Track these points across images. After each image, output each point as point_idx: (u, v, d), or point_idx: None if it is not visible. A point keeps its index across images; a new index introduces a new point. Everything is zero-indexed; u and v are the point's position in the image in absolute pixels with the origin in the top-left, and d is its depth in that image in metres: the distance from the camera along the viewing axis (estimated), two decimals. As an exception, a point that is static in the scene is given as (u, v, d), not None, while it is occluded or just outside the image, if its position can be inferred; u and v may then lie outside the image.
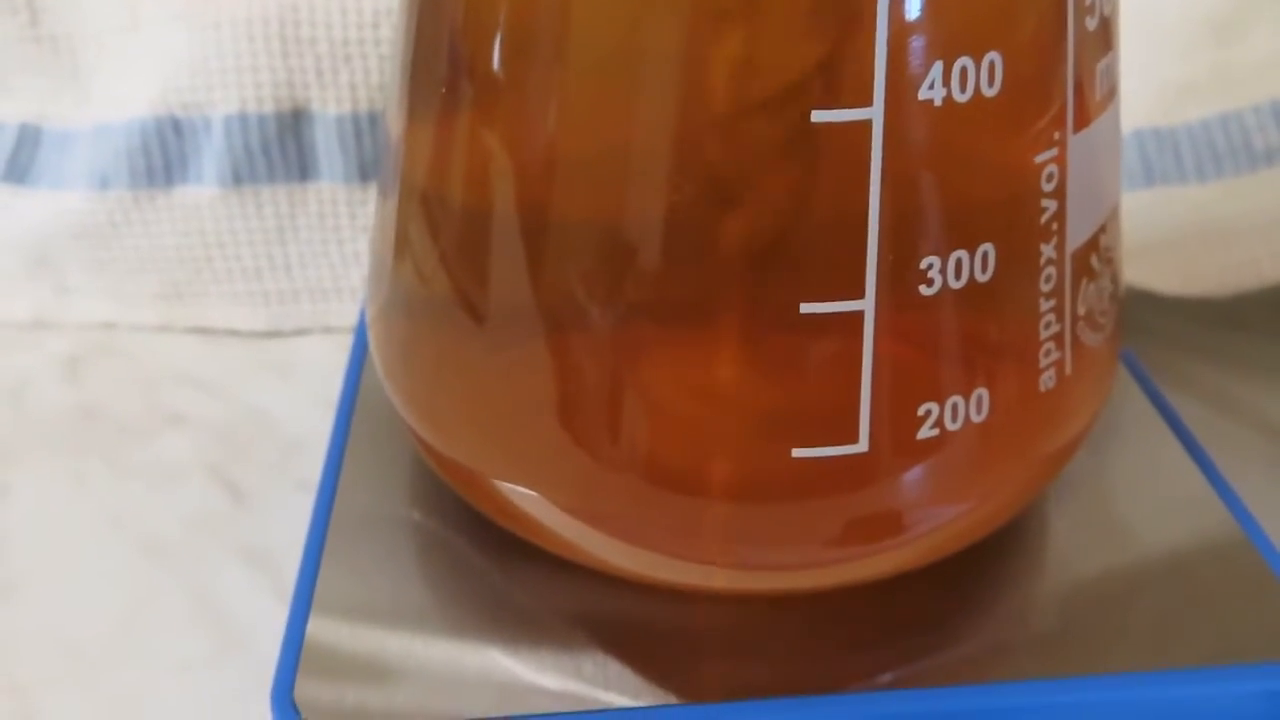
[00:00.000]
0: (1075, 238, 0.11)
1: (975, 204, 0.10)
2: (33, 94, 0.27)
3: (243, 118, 0.26)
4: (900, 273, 0.10)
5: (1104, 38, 0.11)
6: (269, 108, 0.26)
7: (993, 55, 0.10)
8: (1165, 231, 0.25)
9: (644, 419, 0.12)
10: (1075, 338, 0.12)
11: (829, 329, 0.10)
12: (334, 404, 0.26)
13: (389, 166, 0.14)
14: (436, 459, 0.14)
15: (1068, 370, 0.12)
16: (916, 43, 0.10)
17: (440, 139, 0.12)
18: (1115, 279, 0.13)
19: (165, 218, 0.26)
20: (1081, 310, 0.12)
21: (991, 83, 0.10)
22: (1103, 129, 0.11)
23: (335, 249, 0.27)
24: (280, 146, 0.26)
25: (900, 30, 0.09)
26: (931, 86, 0.10)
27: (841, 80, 0.09)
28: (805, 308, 0.10)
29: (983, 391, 0.11)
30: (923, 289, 0.10)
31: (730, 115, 0.10)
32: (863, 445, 0.11)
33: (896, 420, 0.11)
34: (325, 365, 0.27)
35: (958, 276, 0.10)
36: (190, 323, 0.27)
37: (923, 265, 0.10)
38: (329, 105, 0.26)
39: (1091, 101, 0.11)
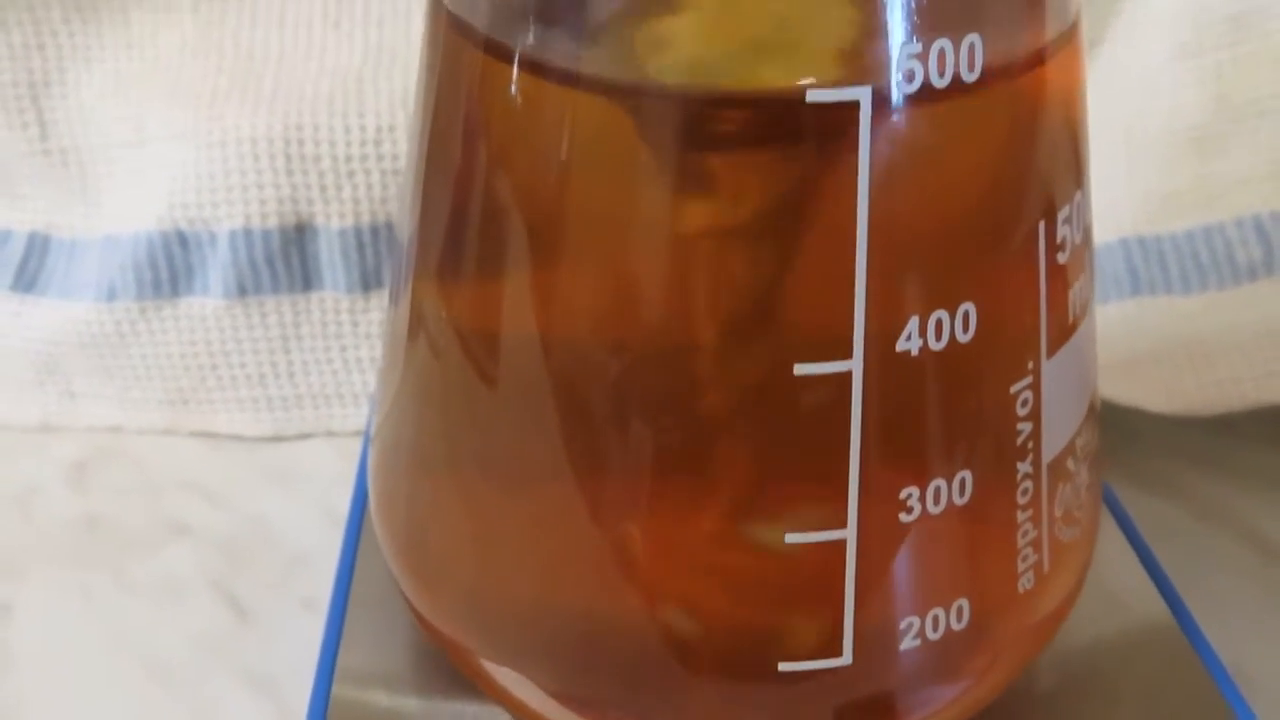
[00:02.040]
0: (1051, 450, 0.12)
1: (950, 437, 0.11)
2: (42, 204, 0.27)
3: (247, 232, 0.26)
4: (881, 501, 0.11)
5: (1076, 264, 0.12)
6: (273, 222, 0.26)
7: (966, 306, 0.10)
8: (1150, 344, 0.26)
9: (631, 609, 0.12)
10: (1052, 537, 0.12)
11: (813, 553, 0.11)
12: (336, 514, 0.26)
13: (391, 338, 0.14)
14: (422, 623, 0.15)
15: (1045, 569, 0.12)
16: (893, 298, 0.10)
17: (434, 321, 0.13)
18: (1093, 465, 0.13)
19: (171, 327, 0.27)
20: (1059, 512, 0.12)
21: (966, 330, 0.10)
22: (1077, 345, 0.12)
23: (338, 355, 0.28)
24: (284, 259, 0.27)
25: (878, 287, 0.10)
26: (909, 339, 0.10)
27: (822, 335, 0.10)
28: (790, 538, 0.11)
29: (963, 602, 0.12)
30: (902, 516, 0.11)
31: (715, 354, 0.10)
32: (847, 659, 0.11)
33: (880, 634, 0.11)
34: (328, 471, 0.28)
35: (936, 503, 0.11)
36: (195, 428, 0.28)
37: (902, 495, 0.11)
38: (332, 219, 0.26)
39: (1065, 326, 0.12)
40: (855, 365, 0.10)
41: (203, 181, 0.26)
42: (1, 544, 0.25)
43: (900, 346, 0.10)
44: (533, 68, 0.10)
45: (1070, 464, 0.12)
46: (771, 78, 0.10)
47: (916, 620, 0.11)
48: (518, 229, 0.11)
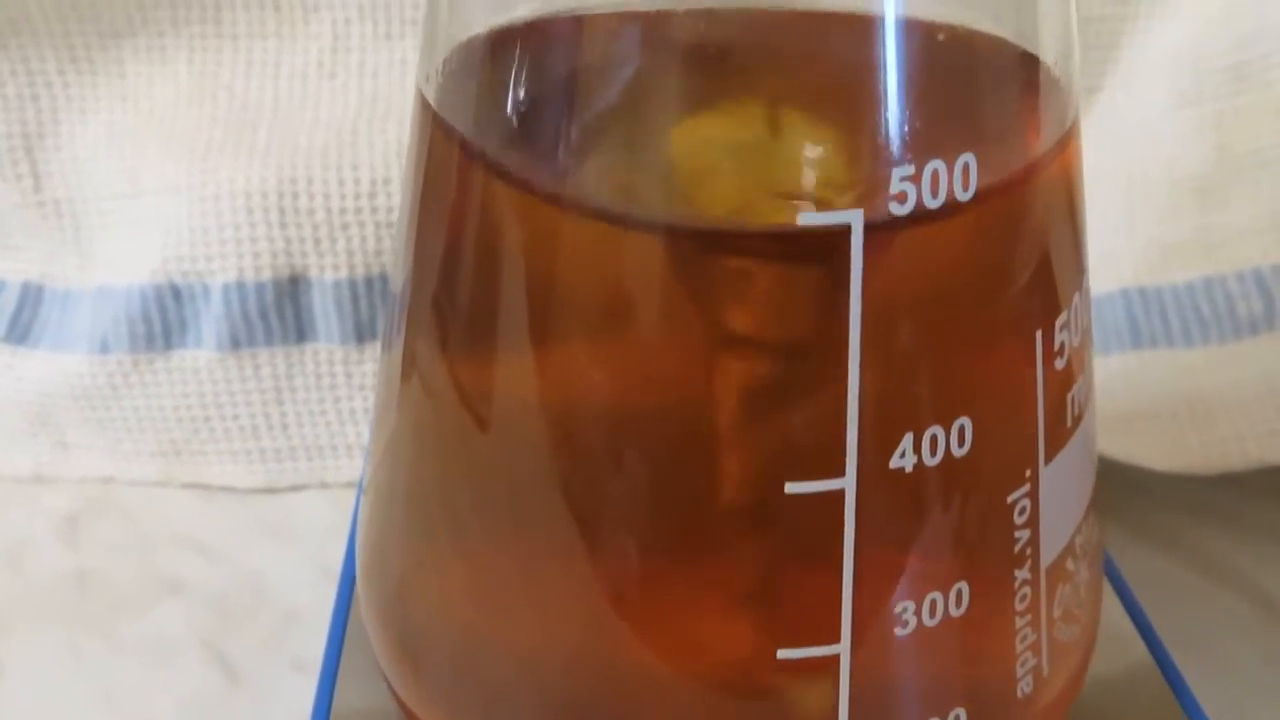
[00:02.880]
0: (1050, 554, 0.12)
1: (945, 551, 0.11)
2: (35, 255, 0.27)
3: (241, 285, 0.26)
4: (875, 616, 0.11)
5: (1075, 366, 0.11)
6: (267, 275, 0.26)
7: (962, 420, 0.10)
8: (1151, 399, 0.26)
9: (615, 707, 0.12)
10: (1052, 638, 0.12)
11: (807, 667, 0.11)
12: (329, 569, 0.26)
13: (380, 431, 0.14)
14: (403, 709, 0.14)
15: (1045, 672, 0.12)
16: (887, 416, 0.10)
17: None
18: (1093, 559, 0.13)
19: (164, 380, 0.27)
20: (1058, 613, 0.12)
21: (962, 444, 0.10)
22: (1076, 445, 0.12)
23: (332, 407, 0.27)
24: (278, 312, 0.26)
25: (870, 404, 0.10)
26: (902, 455, 0.10)
27: (814, 454, 0.10)
28: (782, 653, 0.10)
29: (960, 711, 0.11)
30: (898, 630, 0.11)
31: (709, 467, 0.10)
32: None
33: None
34: (322, 524, 0.28)
35: (932, 615, 0.11)
36: (188, 479, 0.28)
37: (897, 610, 0.11)
38: (326, 271, 0.26)
39: (1063, 429, 0.11)
40: (848, 484, 0.10)
41: (196, 234, 0.26)
42: (-9, 601, 0.25)
43: (894, 464, 0.10)
44: (513, 181, 0.10)
45: (1069, 564, 0.12)
46: (759, 203, 0.10)
47: (914, 732, 0.11)
48: (497, 330, 0.11)
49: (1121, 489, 0.26)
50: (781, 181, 0.10)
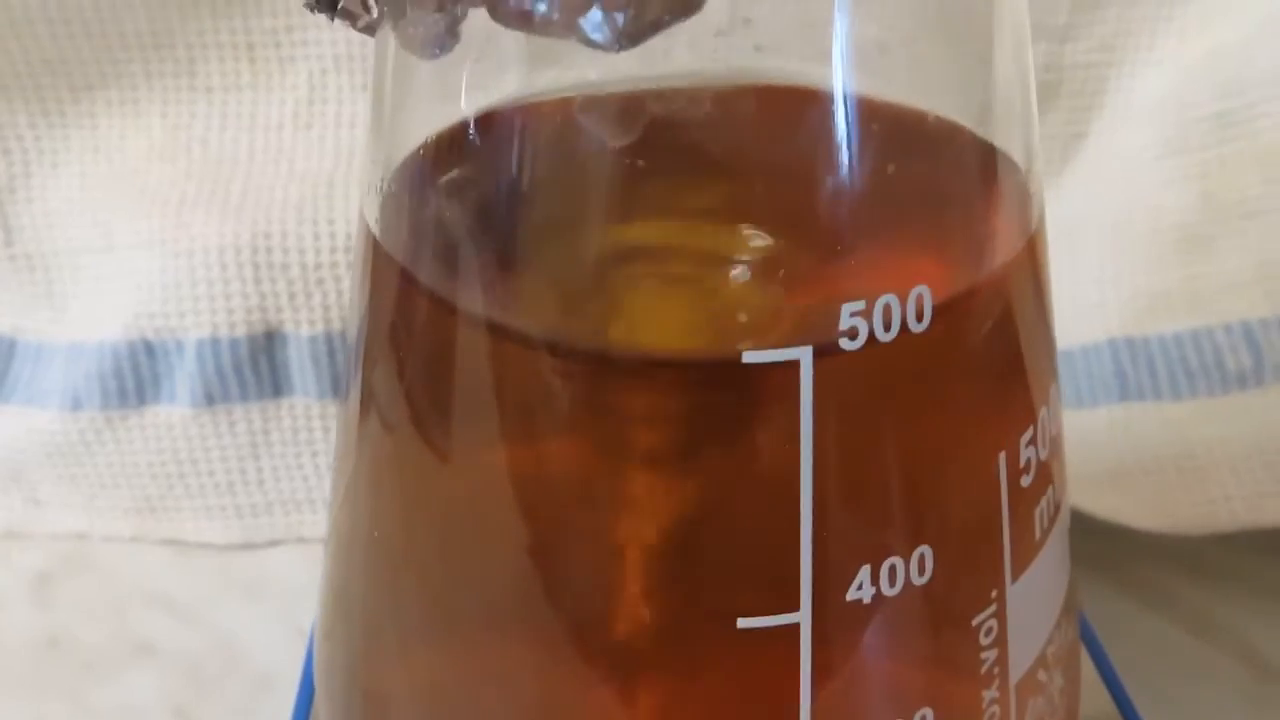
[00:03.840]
0: (1019, 670, 0.11)
1: (907, 680, 0.10)
2: (6, 309, 0.27)
3: (215, 341, 0.26)
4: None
5: (1043, 479, 0.11)
6: (241, 331, 0.26)
7: (922, 549, 0.10)
8: (1138, 455, 0.25)
9: None
10: (1024, 752, 0.12)
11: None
12: (304, 629, 0.26)
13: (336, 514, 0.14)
14: None
15: (1017, 786, 0.12)
16: (843, 549, 0.10)
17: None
18: (1067, 664, 0.13)
19: (137, 436, 0.26)
20: (1029, 725, 0.12)
21: (922, 573, 0.10)
22: (1046, 558, 0.11)
23: (309, 461, 0.27)
24: (253, 366, 0.26)
25: (825, 536, 0.09)
26: (859, 588, 0.10)
27: (768, 588, 0.09)
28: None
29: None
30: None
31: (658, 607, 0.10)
32: None
33: None
34: (298, 581, 0.27)
35: (895, 741, 0.10)
36: (163, 535, 0.27)
37: (858, 739, 0.10)
38: (302, 326, 0.26)
39: (1031, 545, 0.11)
40: (803, 618, 0.09)
41: (169, 290, 0.26)
42: (-40, 665, 0.25)
43: (851, 596, 0.10)
44: (451, 310, 0.10)
45: (1041, 675, 0.12)
46: (705, 333, 0.09)
47: None
48: (437, 443, 0.11)
49: (1107, 542, 0.26)
50: (729, 310, 0.09)
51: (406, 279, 0.10)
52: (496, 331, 0.09)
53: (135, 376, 0.26)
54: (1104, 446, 0.26)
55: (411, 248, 0.10)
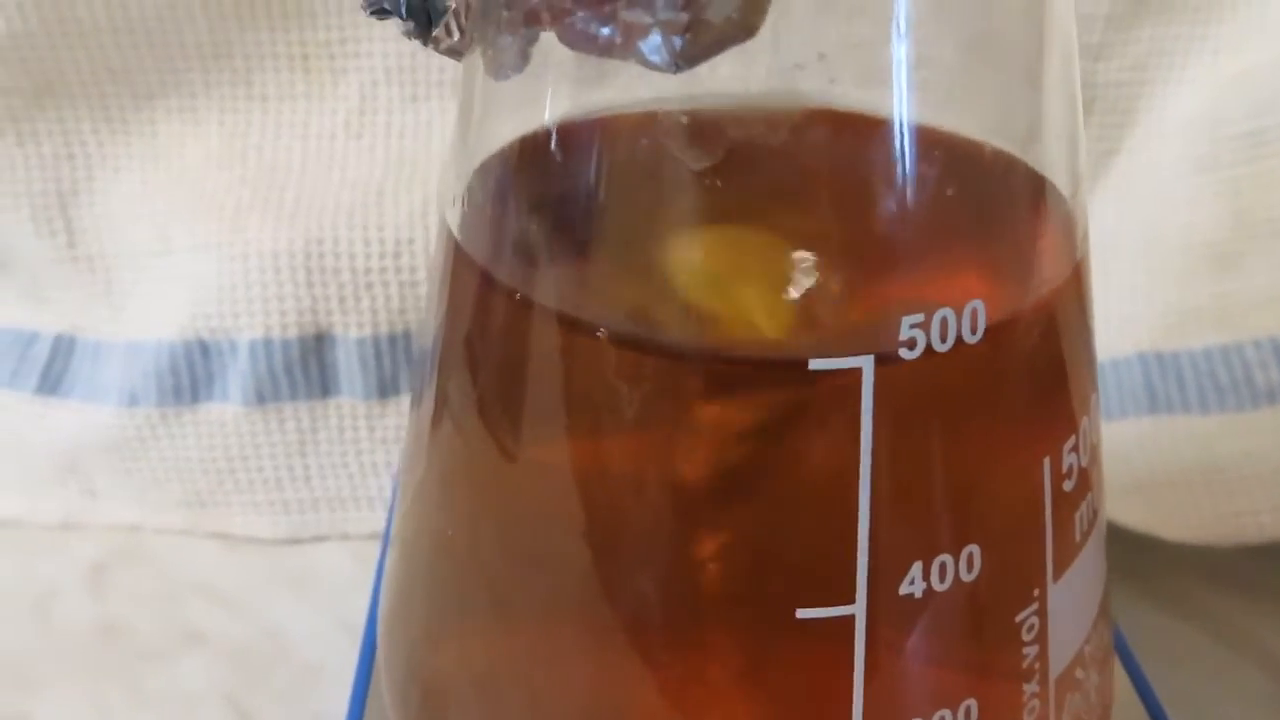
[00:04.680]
0: (1059, 666, 0.12)
1: (954, 672, 0.11)
2: (68, 307, 0.28)
3: (267, 342, 0.26)
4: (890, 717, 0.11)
5: (1083, 484, 0.12)
6: (293, 333, 0.27)
7: (971, 548, 0.10)
8: (1167, 468, 0.26)
9: None
10: (1061, 746, 0.12)
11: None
12: (348, 623, 0.26)
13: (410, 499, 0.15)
14: None
15: (1054, 778, 0.12)
16: (896, 545, 0.10)
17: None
18: (1103, 663, 0.13)
19: (190, 433, 0.27)
20: (1068, 718, 0.12)
21: (970, 570, 0.10)
22: (1085, 559, 0.12)
23: (354, 460, 0.28)
24: (303, 367, 0.27)
25: (880, 534, 0.10)
26: (911, 583, 0.10)
27: (826, 580, 0.10)
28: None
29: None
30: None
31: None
32: None
33: None
34: (343, 576, 0.28)
35: (942, 730, 0.11)
36: (212, 529, 0.28)
37: (907, 724, 0.11)
38: (350, 329, 0.27)
39: (1071, 546, 0.12)
40: (859, 610, 0.10)
41: (224, 293, 0.26)
42: (21, 652, 0.25)
43: (903, 590, 0.10)
44: (526, 302, 0.10)
45: (1079, 673, 0.12)
46: (776, 346, 0.10)
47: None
48: (520, 438, 0.11)
49: (1137, 552, 0.26)
50: (798, 319, 0.10)
51: (489, 284, 0.11)
52: (576, 330, 0.10)
53: (190, 375, 0.27)
54: (1133, 459, 0.27)
55: (493, 254, 0.11)
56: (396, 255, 0.26)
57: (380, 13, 0.10)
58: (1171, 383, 0.26)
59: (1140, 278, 0.27)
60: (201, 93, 0.26)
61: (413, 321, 0.27)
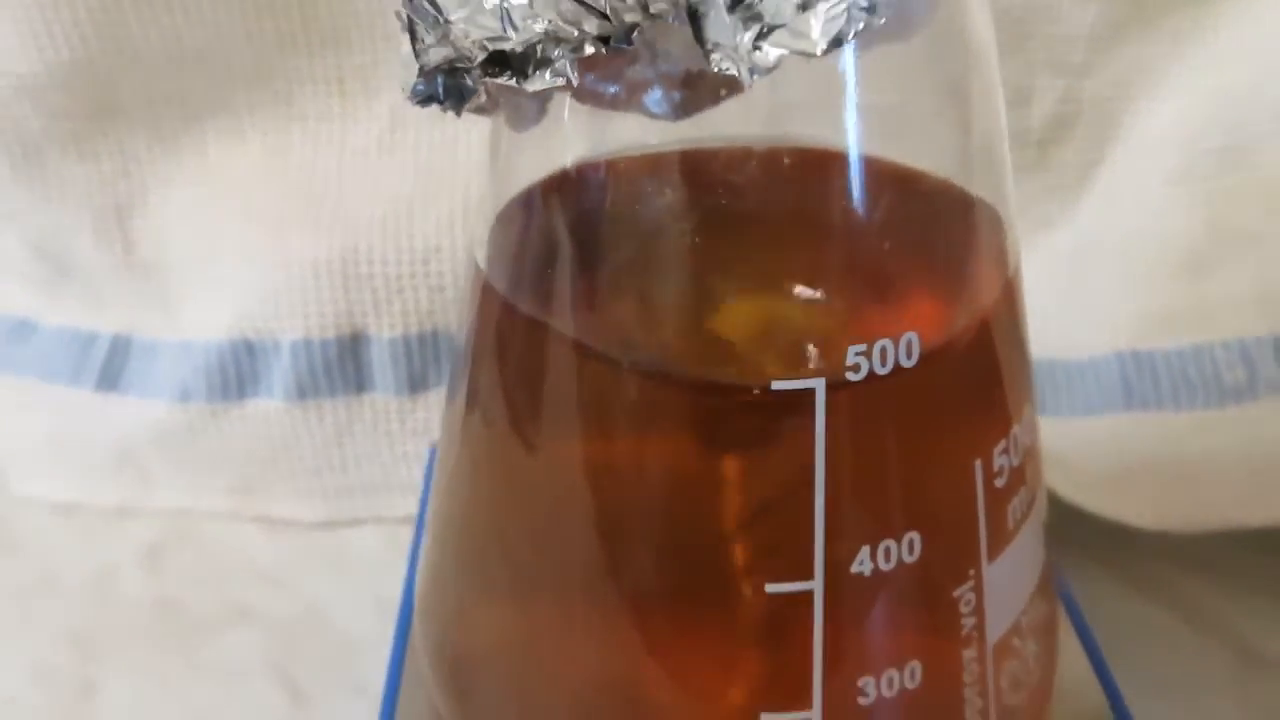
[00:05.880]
0: (995, 635, 0.14)
1: (900, 636, 0.13)
2: (125, 310, 0.30)
3: (307, 343, 0.29)
4: (840, 688, 0.13)
5: (1015, 480, 0.14)
6: (330, 334, 0.29)
7: (911, 535, 0.12)
8: (1140, 460, 0.27)
9: None
10: (999, 704, 0.14)
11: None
12: (383, 599, 0.28)
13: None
14: None
15: (993, 733, 0.14)
16: (847, 532, 0.12)
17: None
18: (1042, 630, 0.15)
19: (238, 425, 0.30)
20: (1004, 683, 0.14)
21: (911, 553, 0.12)
22: (1020, 544, 0.14)
23: (387, 450, 0.30)
24: (340, 365, 0.29)
25: (834, 523, 0.12)
26: (861, 563, 0.12)
27: (790, 560, 0.12)
28: (765, 716, 0.13)
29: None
30: (860, 700, 0.13)
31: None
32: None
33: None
34: (376, 555, 0.30)
35: (890, 688, 0.13)
36: (257, 513, 0.31)
37: (860, 684, 0.13)
38: (384, 330, 0.29)
39: (1005, 533, 0.13)
40: (817, 585, 0.12)
41: (268, 297, 0.29)
42: (85, 625, 0.28)
43: (854, 569, 0.12)
44: (539, 328, 0.12)
45: (1016, 642, 0.14)
46: (745, 369, 0.12)
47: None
48: (537, 445, 0.14)
49: (1111, 539, 0.28)
50: (765, 347, 0.12)
51: (507, 310, 0.13)
52: (585, 354, 0.12)
53: (237, 372, 0.29)
54: (1108, 453, 0.28)
55: (511, 283, 0.13)
56: (425, 262, 0.28)
57: (425, 101, 0.12)
58: (1147, 380, 0.28)
59: (1119, 281, 0.29)
60: (246, 114, 0.28)
61: (440, 322, 0.29)
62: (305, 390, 0.29)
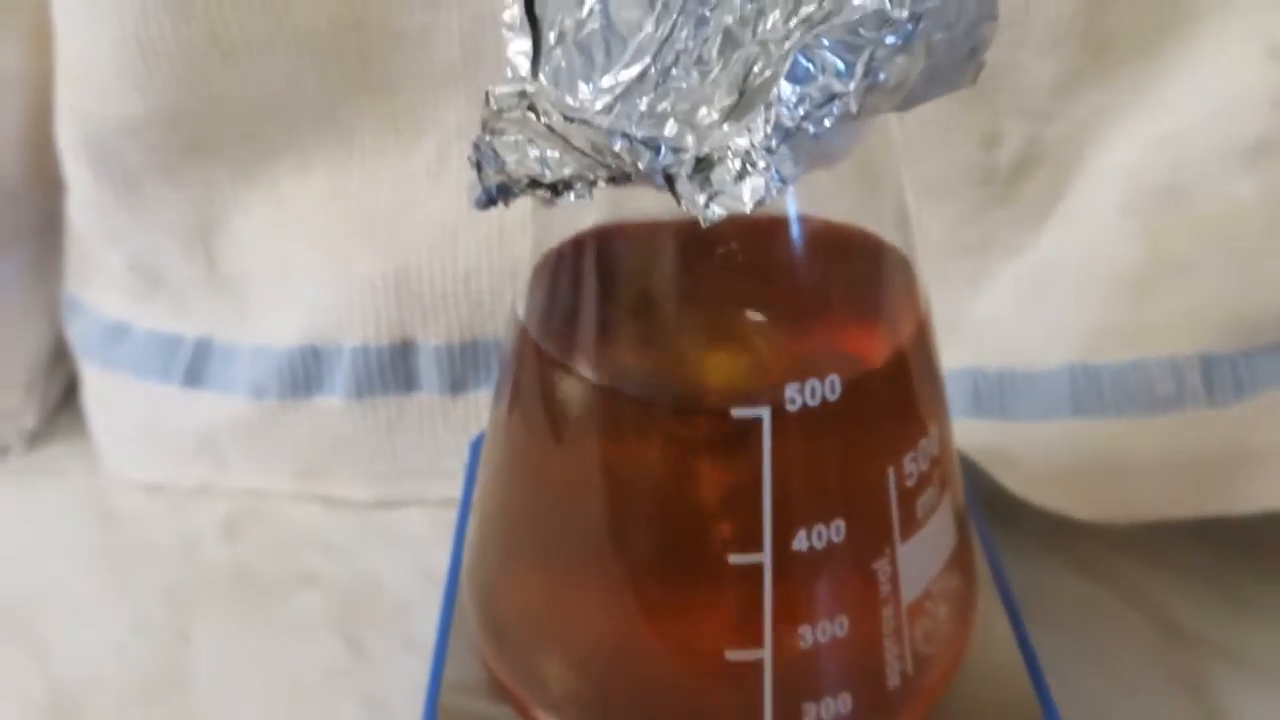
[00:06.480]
0: (909, 597, 0.18)
1: (831, 595, 0.17)
2: (207, 317, 0.34)
3: (365, 349, 0.33)
4: (786, 630, 0.17)
5: (924, 482, 0.17)
6: (384, 341, 0.33)
7: (838, 521, 0.16)
8: (1083, 459, 0.31)
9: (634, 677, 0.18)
10: (915, 652, 0.18)
11: (740, 663, 0.17)
12: (428, 568, 0.33)
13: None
14: (495, 679, 0.21)
15: (910, 673, 0.18)
16: (789, 519, 0.16)
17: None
18: (954, 596, 0.19)
19: (304, 419, 0.34)
20: (919, 635, 0.18)
21: (839, 535, 0.16)
22: (929, 531, 0.18)
23: (431, 442, 0.34)
24: (392, 369, 0.33)
25: (777, 510, 0.16)
26: (800, 542, 0.16)
27: (745, 538, 0.16)
28: (729, 654, 0.17)
29: (846, 695, 0.18)
30: (801, 644, 0.17)
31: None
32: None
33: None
34: (422, 532, 0.34)
35: (825, 635, 0.17)
36: (319, 493, 0.35)
37: (800, 631, 0.17)
38: (430, 338, 0.33)
39: (915, 521, 0.17)
40: (765, 557, 0.16)
41: (332, 308, 0.33)
42: (176, 585, 0.32)
43: (795, 546, 0.16)
44: (567, 370, 0.17)
45: (928, 604, 0.18)
46: (713, 400, 0.16)
47: (812, 705, 0.17)
48: (557, 456, 0.18)
49: (1056, 527, 0.32)
50: (728, 381, 0.16)
51: (535, 348, 0.17)
52: (597, 387, 0.16)
53: (304, 373, 0.33)
54: (1056, 452, 0.32)
55: (535, 327, 0.17)
56: (467, 280, 0.32)
57: (486, 206, 0.16)
58: (1092, 390, 0.31)
59: (1072, 301, 0.32)
60: (313, 149, 0.31)
61: (479, 332, 0.33)
62: (362, 389, 0.32)
